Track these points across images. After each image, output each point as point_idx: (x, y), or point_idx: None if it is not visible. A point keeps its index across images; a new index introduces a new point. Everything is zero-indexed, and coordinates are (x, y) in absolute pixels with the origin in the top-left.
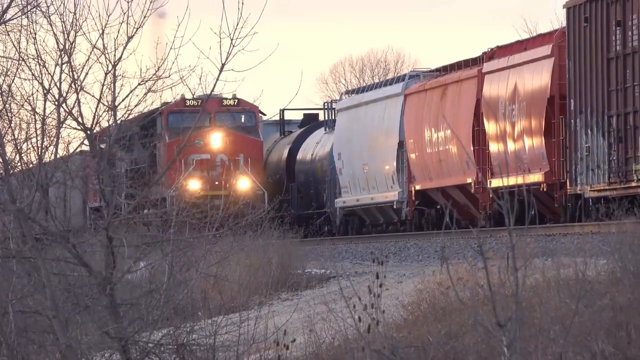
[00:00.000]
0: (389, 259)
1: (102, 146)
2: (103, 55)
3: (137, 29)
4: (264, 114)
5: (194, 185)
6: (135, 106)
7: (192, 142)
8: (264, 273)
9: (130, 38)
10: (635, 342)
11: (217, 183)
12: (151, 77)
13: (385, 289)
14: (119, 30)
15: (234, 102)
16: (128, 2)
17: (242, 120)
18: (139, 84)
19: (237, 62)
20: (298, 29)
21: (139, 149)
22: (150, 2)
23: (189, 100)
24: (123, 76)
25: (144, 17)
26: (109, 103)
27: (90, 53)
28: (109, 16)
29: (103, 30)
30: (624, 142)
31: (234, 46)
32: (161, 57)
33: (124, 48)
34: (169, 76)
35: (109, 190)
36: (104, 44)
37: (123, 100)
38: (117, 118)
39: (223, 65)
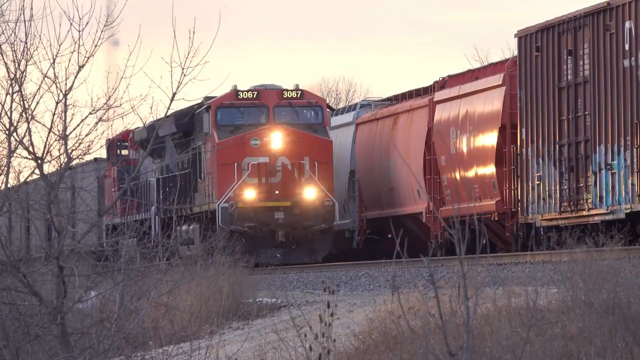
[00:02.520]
0: (340, 288)
1: (124, 152)
2: (54, 85)
3: (88, 58)
4: (333, 109)
5: (249, 194)
6: (86, 135)
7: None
8: (214, 302)
9: (81, 67)
10: None
11: (277, 192)
12: (102, 107)
13: (336, 318)
14: (70, 59)
15: (297, 94)
16: (79, 32)
17: (307, 115)
18: (90, 113)
19: (188, 91)
20: (247, 57)
21: (172, 154)
22: (102, 32)
23: (243, 92)
24: (74, 105)
25: (95, 46)
26: (60, 132)
27: (41, 82)
28: (60, 45)
29: (54, 59)
30: (575, 171)
31: (185, 75)
32: (112, 87)
33: (75, 77)
34: (120, 105)
35: (59, 219)
36: (55, 73)
37: (74, 129)
38: (68, 147)
39: (174, 94)
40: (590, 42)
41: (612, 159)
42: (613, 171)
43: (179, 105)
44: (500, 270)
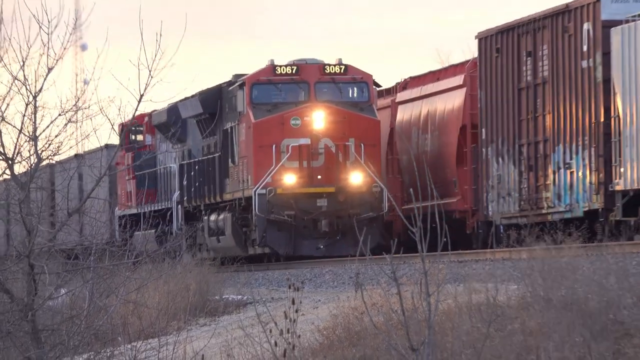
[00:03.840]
0: (304, 285)
1: (139, 138)
2: (24, 87)
3: (57, 60)
4: (379, 85)
5: (289, 179)
6: (56, 136)
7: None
8: (182, 299)
9: (50, 69)
10: None
11: (319, 177)
12: (71, 108)
13: (301, 314)
14: (39, 61)
15: (341, 69)
16: (48, 35)
17: (352, 93)
18: (59, 115)
19: (155, 92)
20: (220, 56)
21: (195, 137)
22: (70, 35)
23: (280, 67)
24: (44, 107)
25: (64, 48)
26: (30, 133)
27: (11, 84)
28: (29, 48)
29: (24, 62)
30: (534, 171)
31: (152, 77)
32: (81, 88)
33: (45, 79)
34: (89, 107)
35: (29, 218)
36: (24, 76)
37: (44, 130)
38: (38, 148)
39: (142, 95)
40: (549, 43)
41: (571, 159)
42: (571, 170)
43: (146, 107)
44: (461, 267)
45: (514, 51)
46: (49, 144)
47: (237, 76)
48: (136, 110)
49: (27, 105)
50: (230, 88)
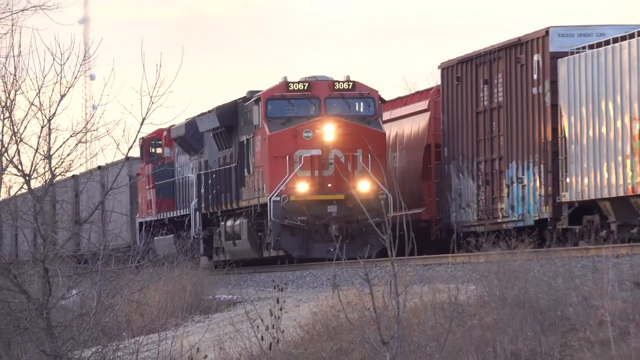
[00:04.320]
0: (287, 286)
1: (158, 150)
2: (39, 111)
3: (69, 88)
4: (384, 101)
5: (302, 187)
6: (68, 155)
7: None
8: (179, 299)
9: (63, 96)
10: (500, 356)
11: (330, 185)
12: (81, 130)
13: (284, 312)
14: (53, 89)
15: (349, 85)
16: (61, 65)
17: (360, 107)
18: (71, 136)
19: (156, 116)
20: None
21: (211, 149)
22: (80, 65)
23: (293, 83)
24: (57, 129)
25: (75, 77)
26: (45, 152)
27: (29, 109)
28: (44, 77)
29: (39, 90)
30: (490, 185)
31: (153, 102)
32: (90, 113)
33: (58, 105)
34: (97, 129)
35: (44, 227)
36: (40, 101)
37: (57, 150)
38: (52, 166)
39: (143, 119)
40: (504, 72)
41: (523, 174)
42: (523, 184)
43: (147, 129)
44: (426, 270)
45: (473, 79)
46: (62, 162)
47: (251, 92)
48: (138, 132)
49: (42, 127)
50: (246, 103)
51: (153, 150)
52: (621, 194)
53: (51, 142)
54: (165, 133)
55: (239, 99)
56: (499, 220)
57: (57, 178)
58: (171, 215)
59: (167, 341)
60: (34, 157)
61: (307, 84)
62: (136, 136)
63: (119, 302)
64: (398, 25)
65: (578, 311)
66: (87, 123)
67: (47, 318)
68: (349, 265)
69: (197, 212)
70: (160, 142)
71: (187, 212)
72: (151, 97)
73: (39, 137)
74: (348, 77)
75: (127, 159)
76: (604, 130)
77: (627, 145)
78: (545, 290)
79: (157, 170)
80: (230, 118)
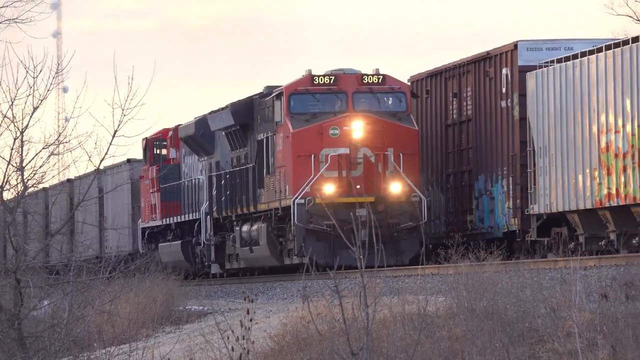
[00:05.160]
0: (258, 297)
1: (163, 152)
2: (12, 123)
3: (42, 100)
4: (416, 96)
5: (328, 189)
6: (40, 167)
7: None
8: (150, 310)
9: (35, 108)
10: None
11: (358, 187)
12: (54, 142)
13: (254, 323)
14: (25, 101)
15: (378, 79)
16: (34, 78)
17: (390, 102)
18: (43, 148)
19: (128, 128)
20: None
21: (224, 149)
22: (53, 78)
23: (318, 77)
24: (29, 141)
25: (48, 90)
26: (17, 164)
27: (1, 121)
28: (17, 90)
29: (12, 102)
30: (459, 197)
31: (124, 115)
32: (62, 125)
33: (30, 117)
34: (69, 141)
35: (16, 239)
36: (13, 114)
37: (29, 162)
38: (25, 177)
39: (115, 132)
40: (473, 86)
41: (492, 186)
42: (492, 197)
43: (119, 141)
44: (396, 281)
45: (442, 92)
46: (34, 174)
47: (269, 87)
48: (110, 144)
49: (15, 139)
50: (263, 99)
51: (157, 151)
52: (589, 206)
53: (23, 154)
54: (170, 133)
55: (256, 94)
56: (468, 232)
57: (30, 190)
58: (178, 220)
59: (138, 352)
60: (6, 169)
61: (333, 78)
62: (108, 148)
63: (90, 313)
64: (370, 40)
65: (546, 322)
66: (59, 135)
67: (18, 329)
68: (319, 277)
69: (208, 217)
70: (165, 143)
71: (196, 217)
72: (123, 109)
73: (12, 149)
74: (377, 70)
75: (98, 171)
76: (571, 143)
77: (595, 157)
78: (513, 301)
79: (162, 172)
80: (246, 115)
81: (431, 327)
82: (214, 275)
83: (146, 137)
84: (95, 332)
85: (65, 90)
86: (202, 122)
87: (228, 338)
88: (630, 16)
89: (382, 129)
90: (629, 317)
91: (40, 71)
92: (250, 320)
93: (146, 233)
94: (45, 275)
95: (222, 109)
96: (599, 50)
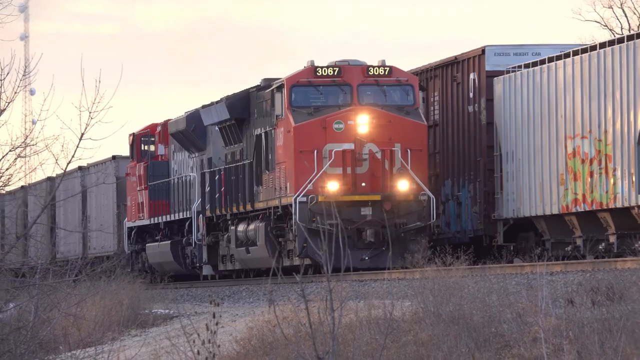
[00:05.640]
0: (224, 301)
1: (152, 148)
2: None
3: (9, 103)
4: (425, 89)
5: (332, 186)
6: (7, 169)
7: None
8: (116, 313)
9: (2, 111)
10: None
11: (363, 184)
12: (20, 145)
13: (220, 326)
14: None
15: (385, 70)
16: (1, 80)
17: (397, 96)
18: (10, 151)
19: (95, 131)
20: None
21: (216, 145)
22: (20, 80)
23: (322, 68)
24: None
25: (15, 92)
26: None
27: None
28: None
29: None
30: None
31: (91, 118)
32: (29, 128)
33: None
34: (36, 144)
35: None
36: None
37: None
38: None
39: (82, 134)
40: (440, 90)
41: (459, 191)
42: (459, 201)
43: (86, 144)
44: (362, 286)
45: None
46: (1, 176)
47: (267, 80)
48: (77, 147)
49: None
50: (262, 92)
51: (145, 147)
52: (556, 211)
53: None
54: (159, 128)
55: (252, 87)
56: (435, 237)
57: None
58: (167, 219)
59: (104, 355)
60: None
61: (337, 69)
62: (74, 152)
63: (57, 315)
64: (335, 47)
65: (512, 328)
66: (26, 138)
67: None
68: (285, 281)
69: (201, 216)
70: (153, 139)
71: (187, 216)
72: (90, 112)
73: None
74: (383, 61)
75: (64, 173)
76: (538, 148)
77: (562, 163)
78: (479, 306)
79: (150, 169)
80: (242, 109)
81: (397, 332)
82: (205, 277)
83: (133, 133)
84: (61, 335)
85: (32, 92)
86: (194, 117)
87: (194, 341)
88: (597, 22)
89: (388, 123)
90: (594, 322)
91: (7, 74)
92: (217, 323)
93: (133, 232)
94: (10, 278)
95: (217, 102)
96: (567, 55)
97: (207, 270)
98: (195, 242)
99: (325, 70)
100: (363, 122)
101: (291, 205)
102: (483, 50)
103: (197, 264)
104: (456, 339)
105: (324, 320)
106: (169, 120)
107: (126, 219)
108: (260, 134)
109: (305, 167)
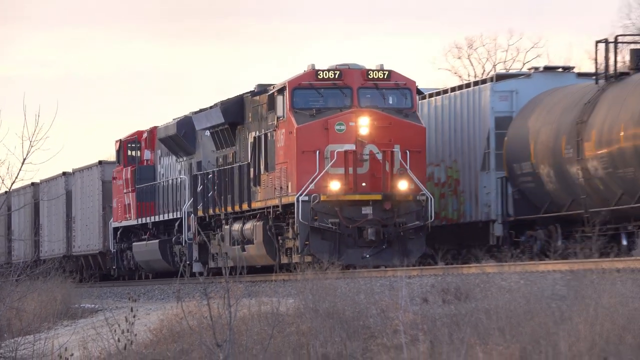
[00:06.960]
0: (140, 297)
1: (137, 153)
2: None
3: None
4: (422, 93)
5: (334, 186)
6: None
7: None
8: (51, 306)
9: None
10: (313, 358)
11: (364, 184)
12: None
13: (137, 319)
14: None
15: (384, 74)
16: None
17: (396, 99)
18: None
19: (35, 156)
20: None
21: (207, 148)
22: None
23: (323, 71)
24: None
25: None
26: None
27: None
28: None
29: None
30: None
31: (32, 146)
32: None
33: None
34: None
35: None
36: None
37: None
38: None
39: (24, 159)
40: None
41: None
42: None
43: (28, 167)
44: (254, 286)
45: None
46: None
47: (261, 86)
48: (20, 170)
49: None
50: (257, 97)
51: (132, 153)
52: None
53: None
54: (145, 135)
55: (247, 92)
56: None
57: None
58: (155, 219)
59: (41, 342)
60: None
61: (338, 72)
62: (17, 175)
63: (1, 309)
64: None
65: (377, 321)
66: None
67: None
68: (191, 282)
69: (192, 216)
70: (139, 145)
71: (176, 216)
72: (31, 141)
73: None
74: (382, 65)
75: (8, 192)
76: None
77: None
78: (350, 304)
79: (138, 172)
80: (236, 114)
81: (282, 324)
82: (193, 274)
83: (120, 139)
84: (5, 325)
85: None
86: (185, 122)
87: (115, 331)
88: (449, 70)
89: (388, 125)
90: (445, 317)
91: None
92: (134, 316)
93: (118, 232)
94: None
95: (210, 107)
96: (423, 98)
97: (197, 267)
98: (186, 240)
99: (326, 74)
100: (364, 124)
101: (292, 204)
102: None
103: (188, 262)
104: (331, 331)
105: (222, 314)
106: (155, 127)
107: (112, 219)
108: (260, 136)
109: (307, 167)
